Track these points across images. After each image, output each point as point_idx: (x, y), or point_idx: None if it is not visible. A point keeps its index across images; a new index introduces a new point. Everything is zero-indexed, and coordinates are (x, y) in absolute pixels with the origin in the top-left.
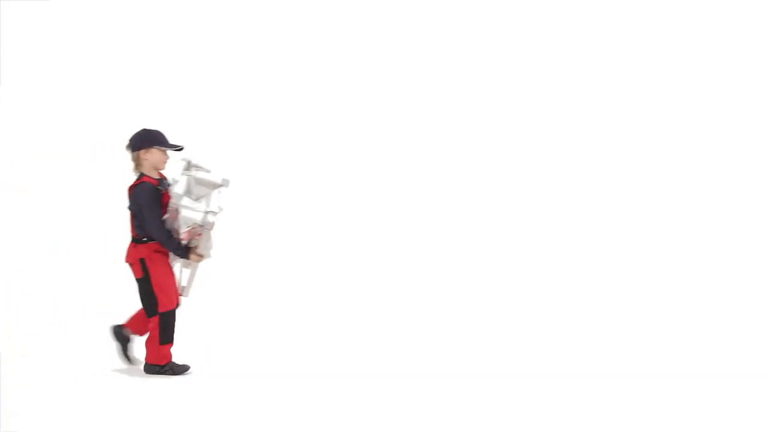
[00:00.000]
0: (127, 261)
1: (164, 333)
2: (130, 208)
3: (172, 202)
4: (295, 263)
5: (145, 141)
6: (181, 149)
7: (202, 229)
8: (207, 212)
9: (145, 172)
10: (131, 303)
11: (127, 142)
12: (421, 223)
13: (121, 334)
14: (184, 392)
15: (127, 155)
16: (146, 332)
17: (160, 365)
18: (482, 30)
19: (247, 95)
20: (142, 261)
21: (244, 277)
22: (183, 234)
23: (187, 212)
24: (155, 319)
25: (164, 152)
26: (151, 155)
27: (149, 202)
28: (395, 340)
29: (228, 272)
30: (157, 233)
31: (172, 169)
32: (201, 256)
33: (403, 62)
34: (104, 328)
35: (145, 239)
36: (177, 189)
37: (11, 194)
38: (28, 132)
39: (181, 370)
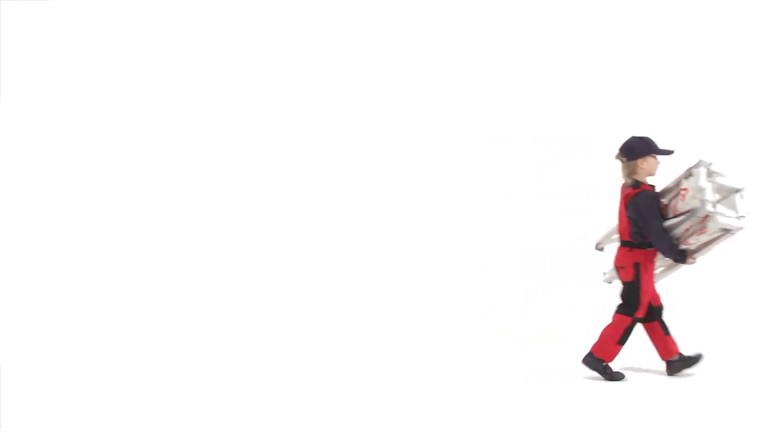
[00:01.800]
0: (618, 264)
1: (625, 336)
2: (629, 216)
3: (704, 208)
4: None
5: (644, 149)
6: (671, 154)
7: (724, 234)
8: (738, 217)
9: (641, 179)
10: (131, 303)
11: (618, 152)
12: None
13: (593, 363)
14: (185, 393)
15: (617, 164)
16: (615, 356)
17: (601, 361)
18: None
19: (247, 95)
20: (636, 265)
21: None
22: (696, 239)
23: (722, 218)
24: (624, 319)
25: (656, 158)
26: (647, 163)
27: (653, 210)
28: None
29: None
30: (660, 241)
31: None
32: (694, 261)
33: None
34: (103, 329)
35: (642, 245)
36: (707, 196)
37: (11, 194)
38: (28, 132)
39: (617, 377)
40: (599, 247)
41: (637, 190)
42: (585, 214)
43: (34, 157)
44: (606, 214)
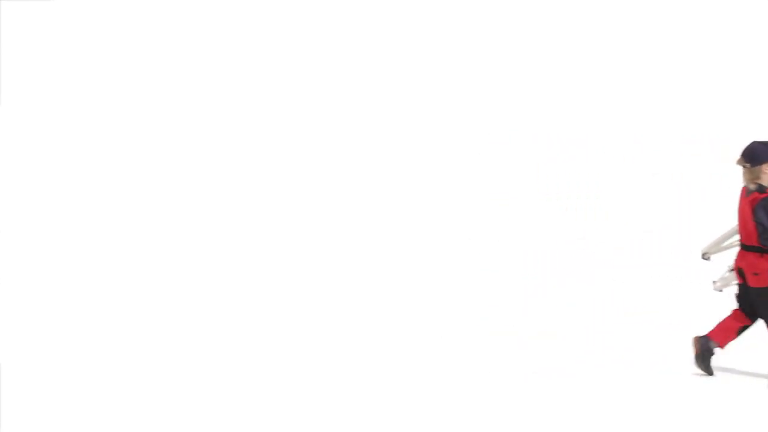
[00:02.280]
0: (750, 270)
1: None
2: (757, 220)
3: None
4: None
5: None
6: None
7: None
8: None
9: (765, 184)
10: (133, 302)
11: (740, 157)
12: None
13: (707, 346)
14: (184, 392)
15: (739, 168)
16: (728, 344)
17: None
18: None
19: (247, 96)
20: None
21: None
22: None
23: None
24: None
25: None
26: None
27: None
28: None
29: None
30: None
31: None
32: None
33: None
34: (103, 329)
35: None
36: None
37: (11, 194)
38: (28, 132)
39: None
40: (706, 257)
41: (764, 195)
42: (585, 214)
43: (34, 157)
44: (606, 214)
